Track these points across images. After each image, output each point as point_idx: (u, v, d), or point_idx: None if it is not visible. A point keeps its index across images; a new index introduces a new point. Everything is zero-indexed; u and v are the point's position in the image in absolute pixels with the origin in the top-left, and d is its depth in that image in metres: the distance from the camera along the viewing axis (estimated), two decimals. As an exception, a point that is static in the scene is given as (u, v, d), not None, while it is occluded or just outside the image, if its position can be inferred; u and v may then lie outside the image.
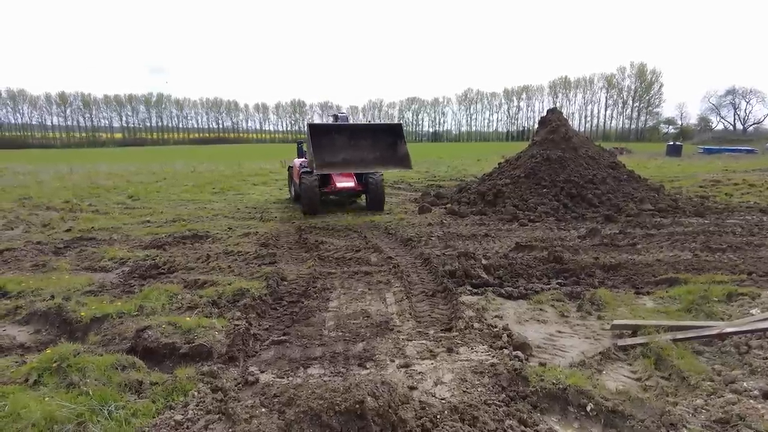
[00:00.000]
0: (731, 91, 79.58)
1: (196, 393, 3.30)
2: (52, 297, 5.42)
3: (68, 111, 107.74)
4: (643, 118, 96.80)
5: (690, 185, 16.12)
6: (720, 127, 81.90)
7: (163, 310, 5.07)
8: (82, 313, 4.79)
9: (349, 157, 10.86)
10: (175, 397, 3.31)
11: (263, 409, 3.05)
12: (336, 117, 13.13)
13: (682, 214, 10.54)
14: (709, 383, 3.43)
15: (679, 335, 4.13)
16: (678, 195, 12.82)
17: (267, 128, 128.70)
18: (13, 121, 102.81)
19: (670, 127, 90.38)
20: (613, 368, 3.84)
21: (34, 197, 15.00)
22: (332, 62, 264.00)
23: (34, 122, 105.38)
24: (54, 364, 3.60)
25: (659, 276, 6.11)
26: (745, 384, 3.38)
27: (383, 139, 11.29)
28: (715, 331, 4.13)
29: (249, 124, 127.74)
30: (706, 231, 8.72)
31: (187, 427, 2.90)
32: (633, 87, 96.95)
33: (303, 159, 12.56)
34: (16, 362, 3.87)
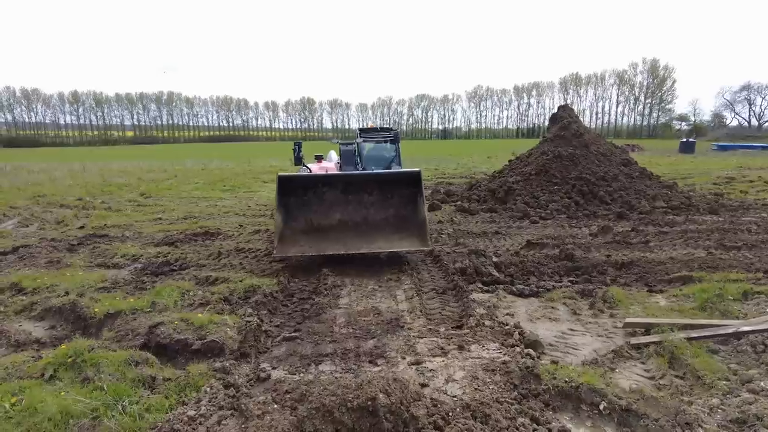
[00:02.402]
0: (746, 87, 78.36)
1: (208, 389, 3.33)
2: (67, 293, 5.49)
3: (81, 110, 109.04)
4: (655, 115, 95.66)
5: (704, 182, 15.90)
6: (734, 123, 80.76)
7: (175, 306, 5.11)
8: (96, 309, 4.85)
9: (347, 218, 7.05)
10: (188, 393, 3.34)
11: (275, 405, 3.06)
12: (366, 131, 10.35)
13: (696, 212, 10.40)
14: (724, 382, 3.39)
15: (694, 334, 4.08)
16: (691, 192, 12.66)
17: (277, 126, 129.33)
18: (27, 120, 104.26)
19: (683, 123, 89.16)
20: (626, 367, 3.81)
21: (48, 195, 15.19)
22: (341, 60, 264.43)
23: (47, 121, 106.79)
24: (69, 360, 3.64)
25: (673, 274, 6.04)
26: (762, 383, 3.33)
27: (396, 192, 7.29)
28: (730, 330, 4.08)
29: (259, 122, 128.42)
30: (721, 228, 8.59)
31: (200, 423, 2.93)
32: (645, 83, 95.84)
33: (306, 166, 8.59)
34: (33, 357, 3.93)
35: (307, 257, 6.67)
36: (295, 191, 6.88)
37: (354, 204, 7.05)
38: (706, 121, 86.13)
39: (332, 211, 7.00)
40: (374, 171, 7.21)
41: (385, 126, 10.67)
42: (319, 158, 9.54)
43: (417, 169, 6.90)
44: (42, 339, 4.50)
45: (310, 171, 8.14)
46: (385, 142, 10.17)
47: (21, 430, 2.87)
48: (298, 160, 8.39)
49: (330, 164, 9.51)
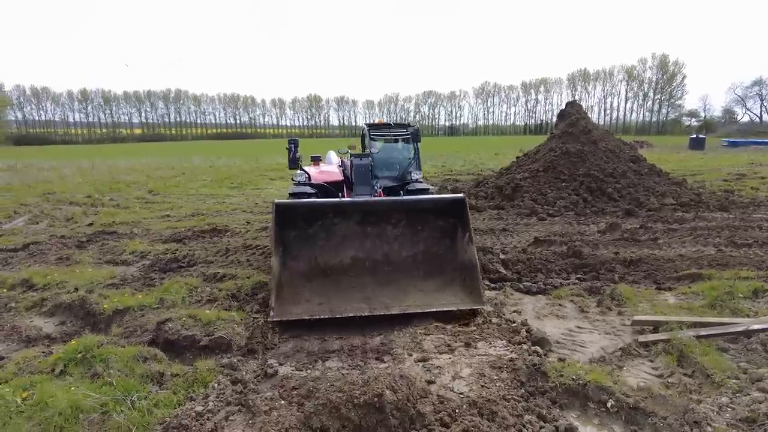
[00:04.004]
0: (758, 82, 77.16)
1: (216, 385, 3.35)
2: (76, 290, 5.55)
3: (89, 107, 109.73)
4: (664, 111, 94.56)
5: (714, 179, 15.72)
6: (746, 119, 79.69)
7: (183, 302, 5.15)
8: (105, 306, 4.90)
9: (362, 255, 5.30)
10: (196, 389, 3.37)
11: (282, 402, 3.08)
12: (375, 127, 7.93)
13: (706, 209, 10.30)
14: (734, 381, 3.36)
15: (703, 332, 4.04)
16: (701, 189, 12.53)
17: (284, 123, 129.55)
18: (36, 118, 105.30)
19: (693, 119, 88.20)
20: (633, 364, 3.78)
21: (58, 192, 15.33)
22: (348, 57, 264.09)
23: (57, 119, 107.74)
24: (79, 355, 3.68)
25: (681, 271, 5.99)
26: (772, 382, 3.29)
27: (430, 223, 5.45)
28: (740, 328, 4.04)
29: (266, 120, 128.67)
30: (731, 226, 8.50)
31: (208, 418, 2.95)
32: (654, 79, 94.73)
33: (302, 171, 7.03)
34: (43, 353, 3.98)
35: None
36: (295, 223, 5.21)
37: (373, 238, 5.34)
38: (716, 117, 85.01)
39: (344, 246, 5.30)
40: (401, 198, 5.25)
41: (401, 123, 7.99)
42: (316, 160, 8.33)
43: (460, 195, 5.27)
44: (52, 335, 4.55)
45: (308, 176, 6.93)
46: (397, 140, 8.09)
47: (32, 424, 2.91)
48: (294, 162, 6.79)
49: (330, 168, 8.05)
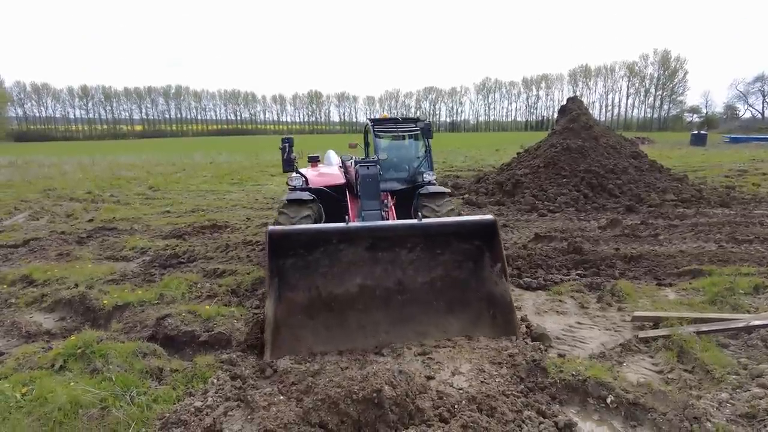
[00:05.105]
0: (760, 78, 76.77)
1: (215, 380, 3.35)
2: (76, 285, 5.55)
3: (90, 104, 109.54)
4: (666, 107, 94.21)
5: (715, 175, 15.68)
6: (747, 115, 79.39)
7: (182, 298, 5.15)
8: (105, 301, 4.90)
9: (371, 283, 4.48)
10: (195, 384, 3.37)
11: (281, 397, 3.08)
12: (379, 122, 6.86)
13: (707, 205, 10.27)
14: (734, 377, 3.35)
15: (704, 328, 4.03)
16: (702, 185, 12.50)
17: (284, 119, 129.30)
18: (37, 115, 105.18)
19: (695, 115, 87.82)
20: (633, 360, 3.78)
21: (58, 189, 15.35)
22: (349, 53, 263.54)
23: (57, 115, 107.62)
24: (78, 351, 3.69)
25: (682, 267, 5.97)
26: (772, 378, 3.28)
27: (451, 247, 4.64)
28: (741, 324, 4.03)
29: (266, 116, 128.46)
30: (732, 222, 8.48)
31: (207, 414, 2.95)
32: (656, 75, 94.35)
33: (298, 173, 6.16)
34: (43, 348, 3.99)
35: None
36: (294, 251, 4.36)
37: (383, 263, 4.52)
38: (718, 113, 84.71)
39: (350, 274, 4.46)
40: (420, 221, 4.34)
41: (409, 117, 6.96)
42: (314, 161, 7.57)
43: (490, 217, 4.47)
44: (52, 330, 4.55)
45: (305, 180, 6.13)
46: (405, 137, 7.12)
47: (32, 419, 2.92)
48: (288, 164, 5.97)
49: (330, 169, 7.16)
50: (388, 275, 4.50)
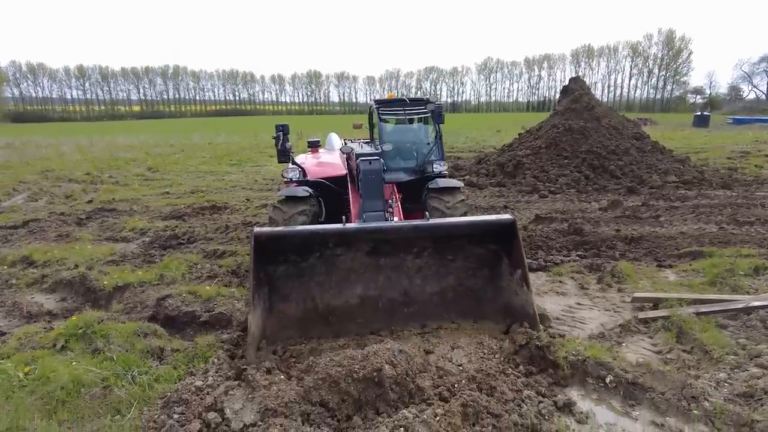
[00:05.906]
0: (765, 58, 75.84)
1: (216, 360, 3.36)
2: (76, 266, 5.55)
3: (87, 84, 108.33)
4: (669, 88, 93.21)
5: (717, 157, 15.58)
6: (752, 96, 78.57)
7: (183, 279, 5.16)
8: (105, 282, 4.91)
9: (374, 293, 4.02)
10: (196, 364, 3.39)
11: (282, 376, 3.10)
12: (384, 103, 6.10)
13: (708, 186, 10.24)
14: (732, 357, 3.37)
15: (703, 309, 4.04)
16: (704, 167, 12.43)
17: (283, 100, 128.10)
18: (34, 95, 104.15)
19: (698, 96, 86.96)
20: (633, 341, 3.79)
21: (57, 170, 15.27)
22: (348, 32, 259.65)
23: (54, 96, 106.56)
24: (80, 331, 3.70)
25: (683, 249, 5.97)
26: (770, 358, 3.30)
27: (464, 251, 4.12)
28: (740, 305, 4.04)
29: (265, 96, 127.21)
30: (734, 203, 8.46)
31: (208, 393, 2.96)
32: (660, 55, 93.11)
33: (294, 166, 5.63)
34: (45, 328, 4.00)
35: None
36: (284, 255, 3.89)
37: (387, 271, 4.06)
38: (721, 94, 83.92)
39: (349, 282, 4.01)
40: (427, 221, 3.82)
41: (417, 98, 6.08)
42: (314, 146, 7.02)
43: (508, 217, 3.88)
44: (53, 311, 4.57)
45: (303, 171, 5.59)
46: (413, 120, 6.38)
47: (34, 398, 2.94)
48: (283, 154, 5.37)
49: (331, 157, 6.48)
50: (393, 284, 4.04)
